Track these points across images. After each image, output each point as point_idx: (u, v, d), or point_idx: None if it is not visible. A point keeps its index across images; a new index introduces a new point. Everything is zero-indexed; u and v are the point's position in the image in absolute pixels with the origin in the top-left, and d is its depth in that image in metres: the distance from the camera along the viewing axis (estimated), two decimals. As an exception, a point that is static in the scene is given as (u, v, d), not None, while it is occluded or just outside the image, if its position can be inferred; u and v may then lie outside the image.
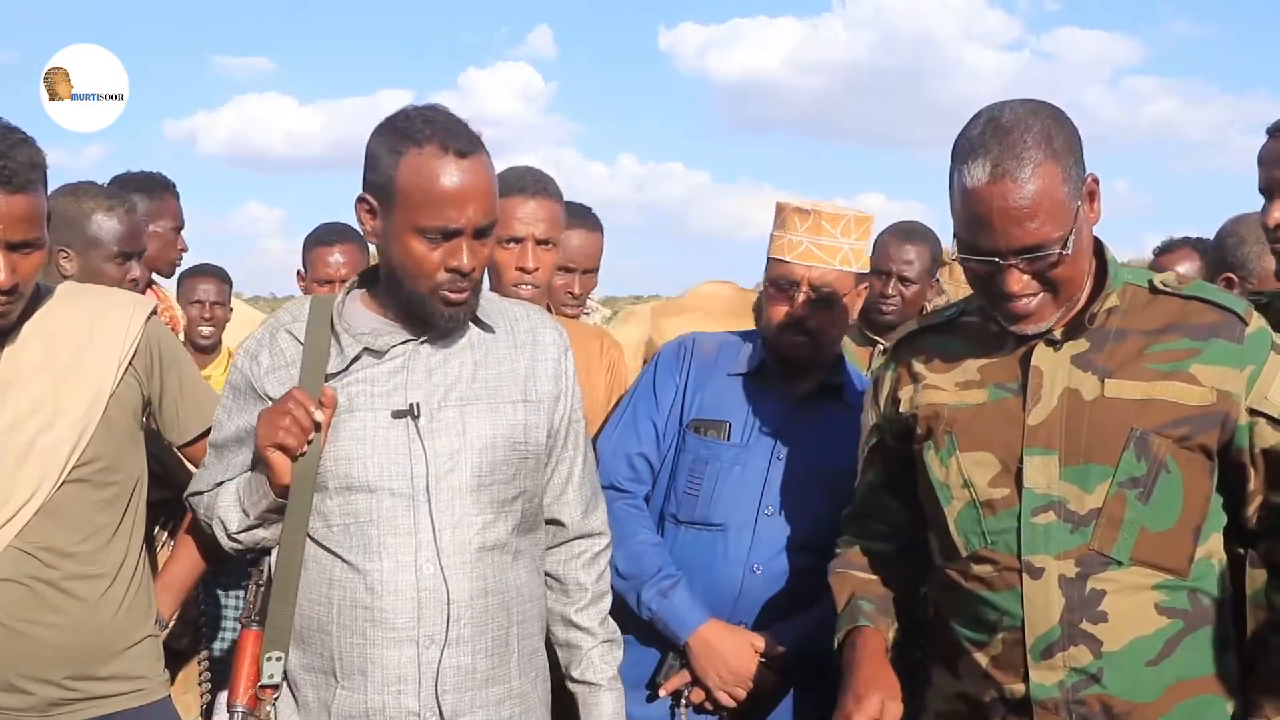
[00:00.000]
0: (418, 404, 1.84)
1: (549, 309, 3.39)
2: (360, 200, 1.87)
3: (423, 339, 1.89)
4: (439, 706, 1.81)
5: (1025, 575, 1.71)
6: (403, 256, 1.82)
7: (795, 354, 2.34)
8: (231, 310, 4.73)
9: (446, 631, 1.81)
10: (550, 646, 2.07)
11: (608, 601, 2.10)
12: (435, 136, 1.80)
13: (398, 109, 1.87)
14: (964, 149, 1.67)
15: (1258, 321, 1.73)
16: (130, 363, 2.10)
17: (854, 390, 2.42)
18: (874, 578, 2.00)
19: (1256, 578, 1.82)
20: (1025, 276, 1.68)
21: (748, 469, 2.32)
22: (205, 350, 4.40)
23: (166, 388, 2.17)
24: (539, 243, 2.59)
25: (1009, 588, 1.72)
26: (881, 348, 3.36)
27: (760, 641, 2.24)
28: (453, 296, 1.84)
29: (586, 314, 3.58)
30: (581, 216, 3.35)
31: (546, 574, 2.05)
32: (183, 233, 3.70)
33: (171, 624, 2.27)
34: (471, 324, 1.94)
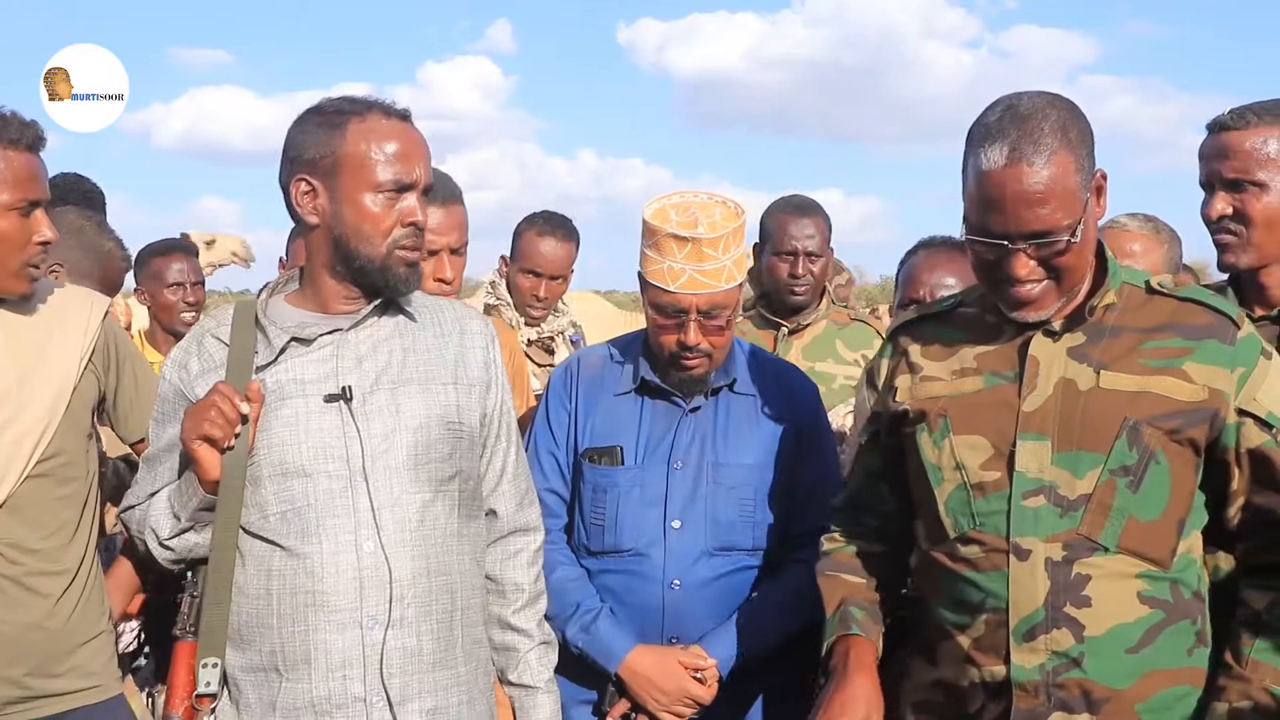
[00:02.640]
0: (349, 387, 1.82)
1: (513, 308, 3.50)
2: (298, 181, 1.84)
3: (350, 327, 1.87)
4: (385, 690, 1.76)
5: (1012, 557, 1.70)
6: (358, 219, 1.82)
7: (696, 375, 2.27)
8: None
9: (390, 611, 1.77)
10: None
11: (544, 603, 2.06)
12: (375, 106, 1.86)
13: (314, 103, 1.90)
14: (981, 134, 1.68)
15: (1248, 327, 1.75)
16: (90, 358, 2.08)
17: (747, 375, 2.35)
18: (863, 581, 1.97)
19: (1215, 560, 1.85)
20: (1031, 262, 1.68)
21: (647, 489, 2.26)
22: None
23: (122, 384, 2.14)
24: (452, 252, 2.55)
25: (995, 569, 1.72)
26: (785, 330, 3.28)
27: (688, 657, 2.20)
28: (409, 255, 1.85)
29: (555, 316, 3.61)
30: (557, 225, 3.46)
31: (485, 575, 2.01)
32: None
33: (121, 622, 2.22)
34: (397, 314, 1.92)
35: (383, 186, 1.82)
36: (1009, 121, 1.66)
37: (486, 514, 2.01)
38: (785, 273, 3.26)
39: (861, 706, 1.78)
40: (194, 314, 3.91)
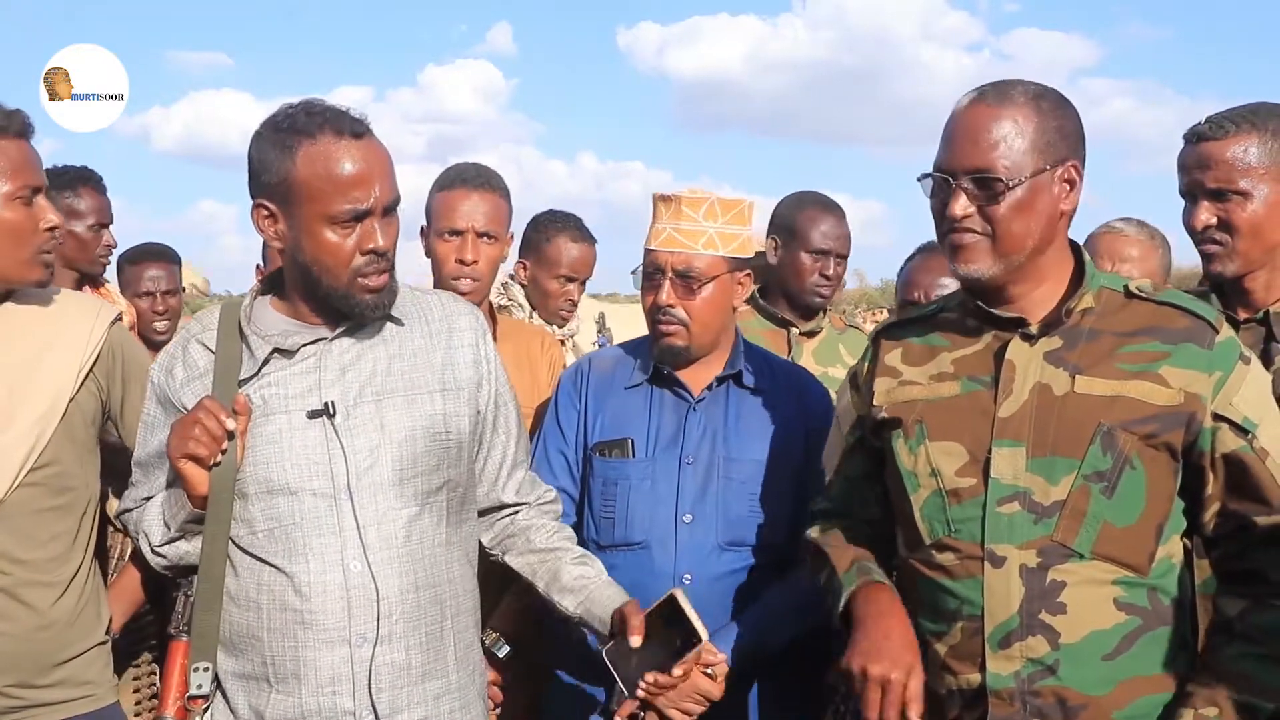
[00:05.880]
0: (332, 402, 1.80)
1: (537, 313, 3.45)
2: (257, 207, 1.81)
3: (334, 336, 1.84)
4: (373, 705, 1.76)
5: (987, 564, 1.69)
6: (316, 250, 1.78)
7: (671, 343, 2.27)
8: (184, 293, 4.09)
9: (378, 628, 1.76)
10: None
11: (573, 539, 2.11)
12: (326, 125, 1.76)
13: (274, 111, 1.84)
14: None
15: (1227, 331, 1.74)
16: (91, 370, 2.04)
17: (758, 374, 2.35)
18: (870, 552, 1.92)
19: (1204, 568, 1.84)
20: (970, 206, 1.71)
21: (658, 482, 2.26)
22: (161, 347, 3.55)
23: (129, 396, 2.10)
24: (479, 235, 2.61)
25: (970, 576, 1.71)
26: (797, 332, 3.22)
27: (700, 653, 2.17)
28: (373, 282, 1.80)
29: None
30: (582, 228, 3.49)
31: (498, 544, 2.04)
32: (110, 228, 3.41)
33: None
34: (383, 318, 1.89)
35: (338, 218, 1.76)
36: (996, 80, 1.75)
37: (493, 509, 2.01)
38: (816, 272, 3.19)
39: (898, 646, 1.70)
40: (166, 322, 3.85)
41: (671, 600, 1.95)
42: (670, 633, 1.95)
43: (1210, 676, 1.68)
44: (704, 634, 1.94)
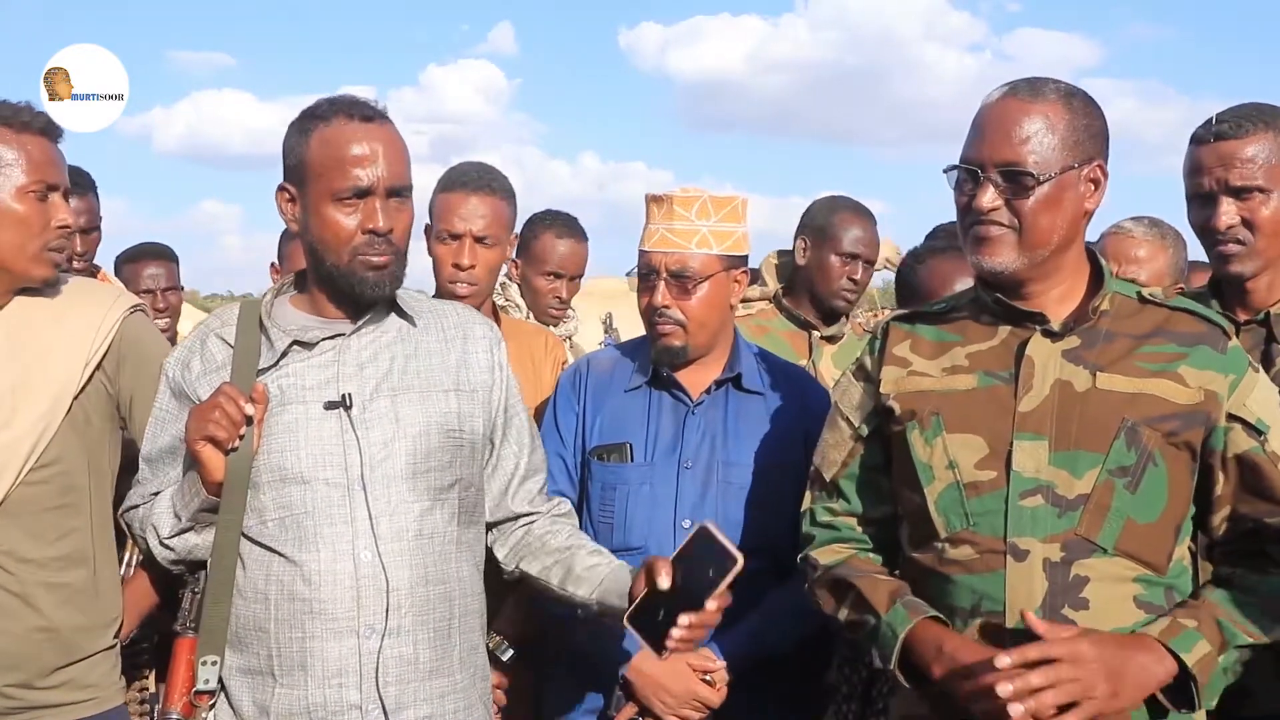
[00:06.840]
0: (349, 394, 1.81)
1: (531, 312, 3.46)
2: (279, 190, 1.87)
3: (353, 331, 1.86)
4: (380, 699, 1.75)
5: (1009, 557, 1.67)
6: (320, 228, 1.81)
7: (668, 344, 2.26)
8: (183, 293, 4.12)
9: (386, 620, 1.76)
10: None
11: (589, 540, 2.08)
12: (341, 110, 1.83)
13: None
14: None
15: (1235, 340, 1.77)
16: (100, 364, 2.01)
17: (757, 375, 2.35)
18: (902, 584, 1.83)
19: (1205, 570, 1.85)
20: (998, 199, 1.71)
21: (657, 487, 2.25)
22: None
23: (139, 389, 2.05)
24: (477, 240, 2.58)
25: (990, 570, 1.69)
26: (820, 335, 3.20)
27: (697, 659, 2.17)
28: (374, 259, 1.82)
29: (564, 320, 3.59)
30: (573, 225, 3.47)
31: (514, 556, 2.02)
32: (79, 235, 3.16)
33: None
34: (399, 318, 1.91)
35: (341, 194, 1.80)
36: (1023, 78, 1.75)
37: (508, 520, 2.01)
38: (845, 276, 3.18)
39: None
40: (166, 320, 3.83)
41: (702, 533, 1.82)
42: (701, 570, 1.81)
43: (1194, 601, 1.70)
44: (739, 558, 1.78)
